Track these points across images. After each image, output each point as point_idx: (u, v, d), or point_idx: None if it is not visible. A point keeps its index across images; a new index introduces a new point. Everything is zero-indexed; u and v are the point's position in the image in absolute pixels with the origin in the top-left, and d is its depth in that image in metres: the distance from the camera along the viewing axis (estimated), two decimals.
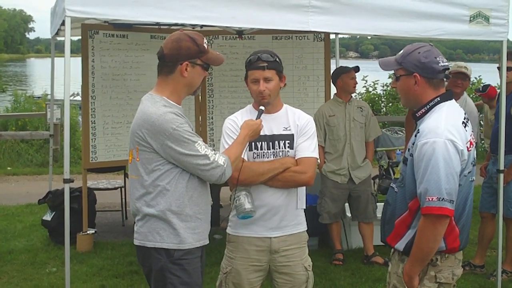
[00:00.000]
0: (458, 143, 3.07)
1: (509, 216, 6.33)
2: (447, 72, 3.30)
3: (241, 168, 3.70)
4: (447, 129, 3.08)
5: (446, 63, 3.28)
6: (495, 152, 6.26)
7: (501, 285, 6.06)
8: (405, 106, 3.34)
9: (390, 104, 16.79)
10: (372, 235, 6.96)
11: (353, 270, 6.66)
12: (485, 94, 7.49)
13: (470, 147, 3.18)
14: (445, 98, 3.27)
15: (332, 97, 7.26)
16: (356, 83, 6.96)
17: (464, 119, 3.25)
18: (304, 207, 4.01)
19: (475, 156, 3.34)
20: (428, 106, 3.25)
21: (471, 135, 3.24)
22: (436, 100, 3.24)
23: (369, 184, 7.05)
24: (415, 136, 3.22)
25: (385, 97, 17.20)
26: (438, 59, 3.23)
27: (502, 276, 6.18)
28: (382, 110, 16.87)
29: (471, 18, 5.73)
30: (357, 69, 6.99)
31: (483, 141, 8.93)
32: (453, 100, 3.33)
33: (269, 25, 5.48)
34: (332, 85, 7.44)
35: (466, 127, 3.21)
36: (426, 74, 3.22)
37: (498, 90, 6.43)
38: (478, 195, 6.67)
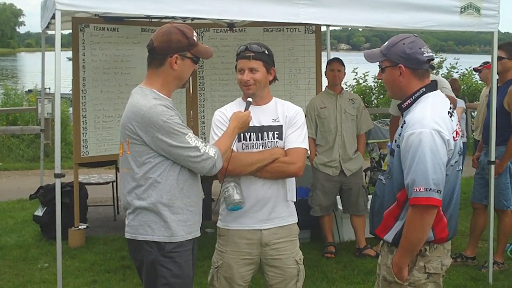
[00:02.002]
0: (444, 133, 3.08)
1: (500, 208, 6.35)
2: (431, 62, 3.31)
3: (230, 158, 3.70)
4: (433, 120, 3.09)
5: (431, 54, 3.30)
6: (487, 143, 6.28)
7: (492, 276, 6.09)
8: (391, 98, 3.38)
9: (382, 96, 16.81)
10: (364, 227, 6.96)
11: (345, 263, 6.67)
12: (489, 66, 7.49)
13: (456, 136, 3.19)
14: (430, 88, 3.28)
15: (323, 90, 7.26)
16: (335, 75, 6.89)
17: (450, 109, 3.26)
18: (295, 200, 4.00)
19: (462, 145, 3.35)
20: (413, 97, 3.26)
21: (457, 125, 3.25)
22: (421, 91, 3.25)
23: (360, 177, 7.06)
24: (402, 127, 3.23)
25: (376, 89, 17.21)
26: (422, 49, 3.24)
27: (493, 267, 6.20)
28: (373, 102, 16.88)
29: (462, 9, 5.73)
30: (337, 60, 7.00)
31: (474, 133, 8.95)
32: (438, 90, 3.34)
33: (260, 18, 5.47)
34: (323, 77, 7.45)
35: (452, 117, 3.22)
36: (410, 65, 3.23)
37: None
38: (471, 187, 6.69)
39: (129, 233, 3.48)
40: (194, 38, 3.46)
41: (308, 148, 3.95)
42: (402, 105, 3.31)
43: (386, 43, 3.35)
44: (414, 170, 3.04)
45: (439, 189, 3.03)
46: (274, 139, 3.87)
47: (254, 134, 3.87)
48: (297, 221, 4.03)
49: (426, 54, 3.25)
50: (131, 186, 3.42)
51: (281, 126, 3.88)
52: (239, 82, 3.85)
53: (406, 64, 3.23)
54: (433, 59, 3.33)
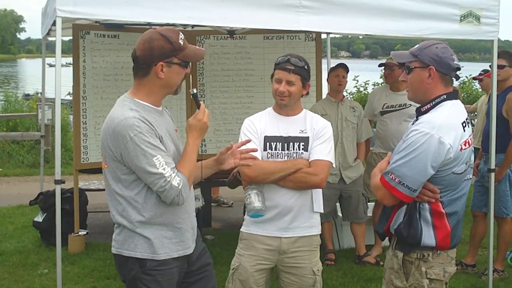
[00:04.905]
0: (447, 141, 3.08)
1: (500, 215, 6.35)
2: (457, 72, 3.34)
3: (252, 165, 3.73)
4: (442, 125, 3.11)
5: (459, 63, 3.31)
6: (487, 151, 6.28)
7: (492, 284, 6.07)
8: (412, 100, 3.38)
9: None
10: (364, 235, 6.97)
11: (345, 270, 6.67)
12: (489, 74, 7.49)
13: (464, 146, 3.18)
14: (451, 96, 3.28)
15: (325, 97, 7.26)
16: (340, 81, 6.86)
17: (466, 119, 3.27)
18: (322, 211, 4.03)
19: (472, 157, 3.36)
20: (433, 103, 3.26)
21: (469, 136, 3.25)
22: (442, 97, 3.26)
23: (360, 184, 7.04)
24: (412, 124, 3.28)
25: None
26: (453, 57, 3.28)
27: (493, 275, 6.19)
28: None
29: (462, 18, 5.75)
30: (343, 66, 6.97)
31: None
32: (459, 100, 3.35)
33: (260, 25, 5.49)
34: (324, 85, 7.46)
35: (465, 128, 3.22)
36: (441, 69, 3.24)
37: None
38: (470, 194, 6.69)
39: (115, 248, 3.31)
40: (180, 41, 3.21)
41: (333, 162, 3.96)
42: (421, 109, 3.31)
43: (417, 45, 3.36)
44: (407, 164, 3.11)
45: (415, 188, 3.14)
46: (299, 150, 3.90)
47: (280, 144, 3.91)
48: (319, 232, 4.07)
49: (456, 62, 3.28)
50: (112, 202, 3.25)
51: (308, 137, 3.92)
52: (274, 91, 3.91)
53: (437, 67, 3.23)
54: (460, 69, 3.35)
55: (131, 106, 3.17)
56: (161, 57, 3.17)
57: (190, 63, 3.40)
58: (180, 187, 3.12)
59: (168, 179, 3.07)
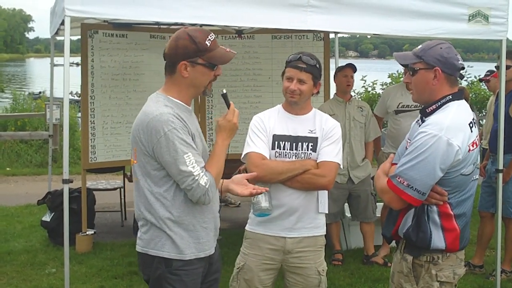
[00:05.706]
0: (455, 143, 3.06)
1: (508, 216, 6.33)
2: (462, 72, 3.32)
3: (260, 164, 3.75)
4: (450, 127, 3.08)
5: (463, 63, 3.30)
6: (494, 151, 6.26)
7: (500, 285, 6.06)
8: (417, 101, 3.35)
9: None
10: (372, 235, 6.96)
11: (352, 270, 6.66)
12: (496, 74, 7.46)
13: (472, 147, 3.17)
14: (456, 97, 3.26)
15: (332, 97, 7.25)
16: (349, 81, 6.85)
17: (473, 119, 3.25)
18: (326, 212, 4.03)
19: (479, 158, 3.34)
20: (439, 103, 3.23)
21: (476, 137, 3.23)
22: (448, 97, 3.23)
23: (369, 184, 7.04)
24: (419, 125, 3.25)
25: None
26: (458, 56, 3.25)
27: (501, 276, 6.18)
28: None
29: (470, 17, 5.73)
30: (351, 66, 6.95)
31: (482, 141, 8.91)
32: (464, 100, 3.32)
33: (267, 24, 5.50)
34: (331, 85, 7.45)
35: (472, 128, 3.20)
36: (447, 69, 3.21)
37: None
38: (477, 195, 6.67)
39: (140, 246, 3.31)
40: (207, 43, 3.24)
41: (341, 163, 3.96)
42: (426, 110, 3.28)
43: (420, 46, 3.33)
44: (415, 167, 3.07)
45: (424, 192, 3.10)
46: (308, 150, 3.90)
47: (289, 143, 3.91)
48: (324, 233, 4.08)
49: (460, 62, 3.26)
50: (140, 198, 3.25)
51: (317, 138, 3.91)
52: (284, 89, 3.91)
53: (443, 68, 3.21)
54: (464, 68, 3.34)
55: (166, 102, 3.19)
56: (184, 57, 3.19)
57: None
58: (207, 186, 3.13)
59: (196, 178, 3.09)
